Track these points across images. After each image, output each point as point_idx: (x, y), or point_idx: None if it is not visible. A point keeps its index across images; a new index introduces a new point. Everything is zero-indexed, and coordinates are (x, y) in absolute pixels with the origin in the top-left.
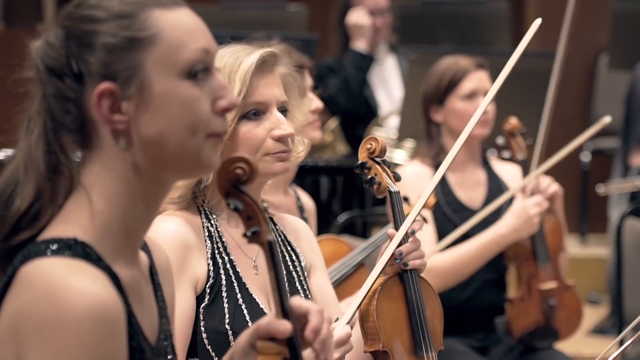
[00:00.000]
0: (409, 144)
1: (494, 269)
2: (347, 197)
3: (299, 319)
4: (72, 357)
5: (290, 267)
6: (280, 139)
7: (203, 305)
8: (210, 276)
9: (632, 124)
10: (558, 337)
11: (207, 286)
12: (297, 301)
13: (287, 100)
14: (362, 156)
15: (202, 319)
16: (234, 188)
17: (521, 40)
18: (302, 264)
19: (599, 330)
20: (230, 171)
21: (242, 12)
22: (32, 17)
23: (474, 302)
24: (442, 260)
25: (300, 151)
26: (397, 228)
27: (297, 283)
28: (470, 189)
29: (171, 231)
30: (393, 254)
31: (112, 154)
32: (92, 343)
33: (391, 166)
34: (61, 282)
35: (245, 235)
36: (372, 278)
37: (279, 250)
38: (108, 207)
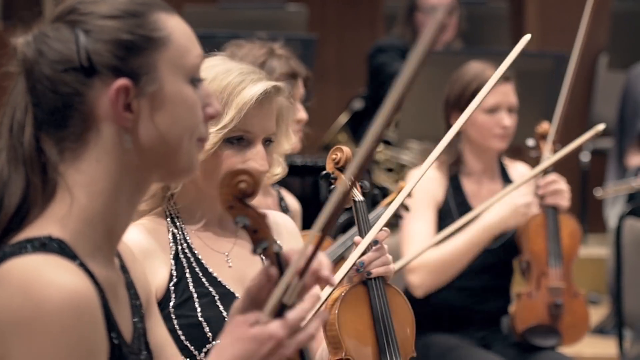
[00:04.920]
0: (414, 144)
1: (498, 276)
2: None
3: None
4: (54, 349)
5: None
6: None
7: (172, 304)
8: (172, 275)
9: (627, 125)
10: (559, 340)
11: (171, 285)
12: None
13: (275, 132)
14: (328, 167)
15: (174, 317)
16: (239, 202)
17: (520, 40)
18: None
19: (599, 330)
20: (234, 185)
21: (241, 12)
22: (32, 17)
23: (476, 308)
24: (434, 255)
25: (276, 173)
26: (362, 237)
27: None
28: (484, 199)
29: (131, 240)
30: (354, 264)
31: (110, 150)
32: (73, 334)
33: (365, 176)
34: (37, 277)
35: (254, 251)
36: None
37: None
38: (91, 205)
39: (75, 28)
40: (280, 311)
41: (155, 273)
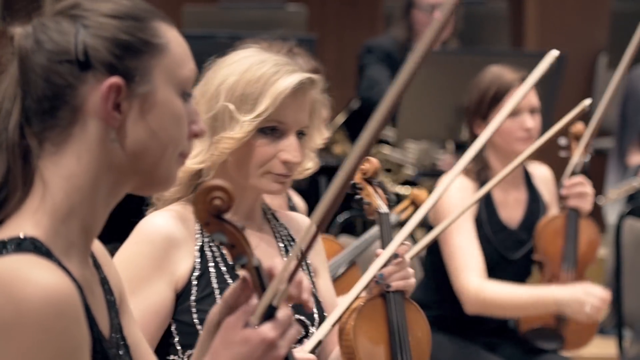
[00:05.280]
0: (412, 144)
1: (515, 276)
2: (346, 197)
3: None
4: (37, 348)
5: None
6: (287, 164)
7: (193, 298)
8: (195, 268)
9: (629, 124)
10: (562, 344)
11: (193, 277)
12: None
13: (308, 125)
14: (355, 177)
15: (194, 311)
16: (214, 218)
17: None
18: (308, 262)
19: (599, 330)
20: (208, 201)
21: (241, 12)
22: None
23: (487, 318)
24: (496, 297)
25: (308, 167)
26: (383, 248)
27: None
28: (511, 208)
29: (157, 225)
30: (374, 276)
31: (92, 147)
32: (55, 332)
33: (387, 189)
34: (15, 277)
35: (233, 265)
36: (351, 296)
37: (286, 248)
38: (68, 201)
39: (76, 22)
40: (269, 313)
41: (178, 262)
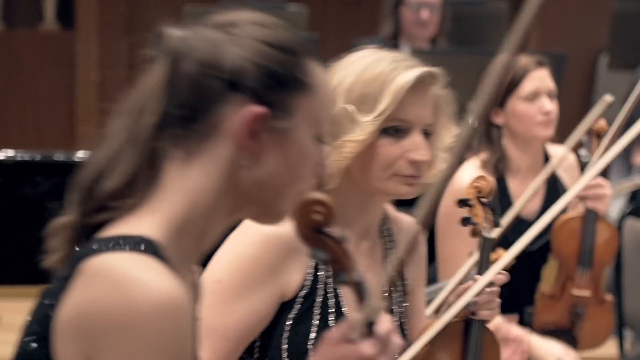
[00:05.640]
0: None
1: (532, 268)
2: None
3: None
4: (146, 354)
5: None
6: (414, 163)
7: (290, 315)
8: (305, 285)
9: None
10: (574, 345)
11: (300, 295)
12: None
13: (433, 123)
14: (468, 192)
15: (286, 329)
16: (314, 233)
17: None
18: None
19: None
20: (307, 216)
21: None
22: (32, 18)
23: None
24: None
25: (441, 169)
26: (480, 274)
27: (395, 300)
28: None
29: (279, 231)
30: (469, 303)
31: (222, 168)
32: (166, 340)
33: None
34: (133, 277)
35: (335, 281)
36: (442, 322)
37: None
38: (187, 214)
39: (233, 41)
40: (368, 329)
41: (293, 273)
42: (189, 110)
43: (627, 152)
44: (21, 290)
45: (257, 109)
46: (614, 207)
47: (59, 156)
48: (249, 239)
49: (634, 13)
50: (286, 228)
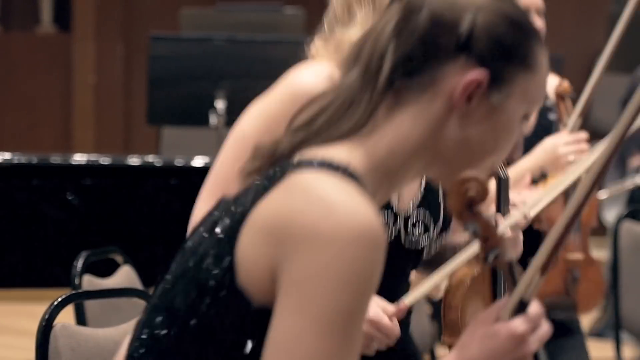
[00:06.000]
0: None
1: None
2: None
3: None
4: (338, 274)
5: None
6: None
7: None
8: None
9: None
10: (576, 309)
11: None
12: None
13: None
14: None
15: None
16: (468, 209)
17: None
18: None
19: (596, 334)
20: (463, 192)
21: (238, 15)
22: (29, 21)
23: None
24: None
25: None
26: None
27: None
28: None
29: (309, 88)
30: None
31: (429, 123)
32: (361, 266)
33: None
34: (341, 199)
35: (485, 260)
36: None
37: None
38: (385, 159)
39: (471, 5)
40: (519, 308)
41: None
42: (413, 61)
43: (622, 156)
44: (16, 293)
45: (480, 74)
46: (611, 211)
47: (55, 159)
48: (278, 94)
49: (633, 16)
50: (316, 86)
